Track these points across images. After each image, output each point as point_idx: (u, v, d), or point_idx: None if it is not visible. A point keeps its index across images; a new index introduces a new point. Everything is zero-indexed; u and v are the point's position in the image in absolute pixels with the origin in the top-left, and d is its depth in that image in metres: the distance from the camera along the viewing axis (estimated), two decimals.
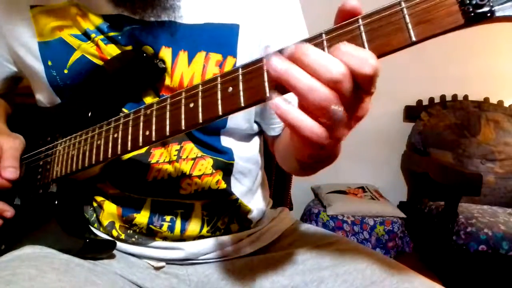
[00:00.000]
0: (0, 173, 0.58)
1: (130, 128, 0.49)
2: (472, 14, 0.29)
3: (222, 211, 0.63)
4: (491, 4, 0.29)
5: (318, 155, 0.40)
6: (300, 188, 2.14)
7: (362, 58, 0.31)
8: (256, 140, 0.70)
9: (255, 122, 0.67)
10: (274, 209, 0.76)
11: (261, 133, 0.71)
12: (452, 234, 1.63)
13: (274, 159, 1.04)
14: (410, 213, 1.99)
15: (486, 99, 2.17)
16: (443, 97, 2.19)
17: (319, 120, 0.34)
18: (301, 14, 0.66)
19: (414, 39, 0.31)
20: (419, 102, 2.21)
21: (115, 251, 0.61)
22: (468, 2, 0.29)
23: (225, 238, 0.64)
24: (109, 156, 0.51)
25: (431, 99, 2.20)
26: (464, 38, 2.12)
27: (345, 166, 2.19)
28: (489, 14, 0.29)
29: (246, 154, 0.66)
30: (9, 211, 0.60)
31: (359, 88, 0.33)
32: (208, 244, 0.63)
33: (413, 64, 2.13)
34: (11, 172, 0.58)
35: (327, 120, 0.33)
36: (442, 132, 2.08)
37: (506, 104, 2.17)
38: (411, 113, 2.21)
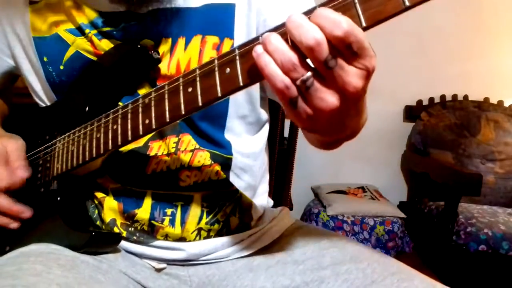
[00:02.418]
0: (14, 172, 0.58)
1: (129, 118, 0.49)
2: None
3: (222, 203, 0.63)
4: None
5: (313, 129, 0.40)
6: (300, 188, 2.14)
7: (335, 21, 0.32)
8: (260, 136, 0.69)
9: (263, 106, 0.67)
10: (274, 209, 0.76)
11: (267, 127, 0.71)
12: (452, 234, 1.64)
13: (274, 159, 1.05)
14: (410, 213, 1.99)
15: (486, 99, 2.17)
16: (443, 97, 2.19)
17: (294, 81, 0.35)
18: None
19: (407, 3, 0.32)
20: (419, 102, 2.21)
21: (119, 248, 0.61)
22: None
23: (226, 238, 0.64)
24: (110, 147, 0.51)
25: (431, 99, 2.20)
26: (464, 38, 2.12)
27: (345, 166, 2.20)
28: None
29: (247, 150, 0.65)
30: (27, 212, 0.60)
31: (340, 54, 0.33)
32: (209, 244, 0.63)
33: (413, 64, 2.14)
34: (23, 170, 0.59)
35: (300, 83, 0.34)
36: (442, 132, 2.08)
37: (506, 104, 2.17)
38: (411, 113, 2.21)
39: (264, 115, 0.68)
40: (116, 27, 0.57)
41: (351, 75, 0.34)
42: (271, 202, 0.77)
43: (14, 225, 0.60)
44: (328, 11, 0.32)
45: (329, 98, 0.35)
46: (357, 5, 0.33)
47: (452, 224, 1.64)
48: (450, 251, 1.65)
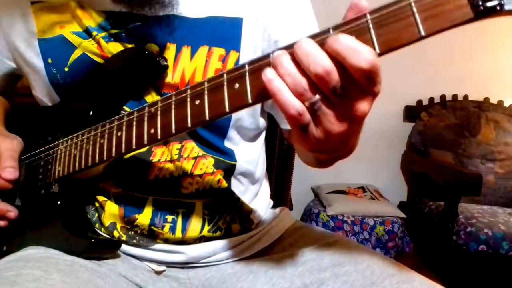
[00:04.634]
0: (0, 174, 0.57)
1: (134, 126, 0.48)
2: (482, 7, 0.29)
3: (223, 210, 0.63)
4: None
5: (319, 150, 0.39)
6: (300, 188, 2.14)
7: (358, 50, 0.31)
8: (260, 142, 0.70)
9: (262, 115, 0.67)
10: (273, 209, 0.76)
11: (265, 132, 0.71)
12: (452, 234, 1.63)
13: (274, 159, 1.05)
14: (410, 213, 1.99)
15: (486, 99, 2.17)
16: (443, 97, 2.18)
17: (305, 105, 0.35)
18: (309, 4, 0.64)
19: (423, 33, 0.31)
20: (419, 102, 2.21)
21: (119, 252, 0.60)
22: None
23: (226, 241, 0.64)
24: (113, 155, 0.51)
25: (431, 99, 2.20)
26: (464, 38, 2.12)
27: (345, 166, 2.19)
28: (498, 8, 0.28)
29: (249, 157, 0.66)
30: (12, 212, 0.60)
31: (355, 83, 0.33)
32: (209, 247, 0.63)
33: (413, 64, 2.13)
34: (10, 172, 0.58)
35: (308, 105, 0.34)
36: (442, 132, 2.08)
37: (506, 104, 2.17)
38: (411, 113, 2.20)
39: (262, 123, 0.68)
40: (122, 28, 0.57)
41: (360, 102, 0.34)
42: (271, 203, 0.77)
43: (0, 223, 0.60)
44: (349, 38, 0.31)
45: (338, 122, 0.35)
46: (372, 31, 0.32)
47: (452, 224, 1.64)
48: (450, 251, 1.65)
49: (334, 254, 0.60)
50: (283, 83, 0.34)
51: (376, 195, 2.06)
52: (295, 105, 0.34)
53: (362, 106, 0.34)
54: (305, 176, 2.09)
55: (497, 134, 2.05)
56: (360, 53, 0.31)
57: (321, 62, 0.32)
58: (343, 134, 0.36)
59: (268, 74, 0.34)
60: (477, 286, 1.64)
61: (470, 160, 2.01)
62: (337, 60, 0.32)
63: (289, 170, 1.18)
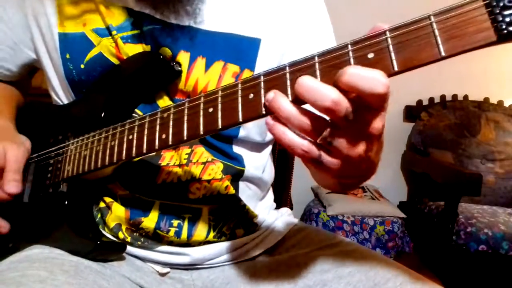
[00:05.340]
0: (3, 187, 0.56)
1: (146, 131, 0.48)
2: (505, 31, 0.28)
3: (228, 217, 0.63)
4: None
5: (344, 176, 0.39)
6: (300, 188, 2.14)
7: (372, 78, 0.30)
8: (268, 149, 0.71)
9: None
10: (276, 210, 0.76)
11: (272, 141, 0.71)
12: (452, 234, 1.64)
13: (274, 158, 1.04)
14: (410, 213, 1.99)
15: (486, 99, 2.17)
16: (443, 97, 2.19)
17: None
18: (331, 31, 0.65)
19: (443, 54, 0.31)
20: (419, 102, 2.21)
21: (124, 254, 0.60)
22: (501, 19, 0.28)
23: (230, 243, 0.64)
24: (123, 158, 0.51)
25: (431, 99, 2.20)
26: None
27: None
28: None
29: (257, 163, 0.66)
30: (3, 228, 0.59)
31: (366, 105, 0.32)
32: (213, 249, 0.63)
33: None
34: (14, 186, 0.56)
35: (320, 141, 0.35)
36: (442, 132, 2.08)
37: (506, 104, 2.17)
38: (411, 113, 2.21)
39: (269, 135, 0.68)
40: (141, 29, 0.57)
41: (373, 119, 0.34)
42: (274, 204, 0.77)
43: None
44: (358, 68, 0.31)
45: (353, 146, 0.34)
46: (391, 48, 0.32)
47: (452, 224, 1.64)
48: (450, 251, 1.65)
49: (337, 255, 0.60)
50: (284, 127, 0.35)
51: (376, 195, 2.06)
52: (300, 145, 0.35)
53: (376, 123, 0.34)
54: (305, 176, 2.08)
55: (497, 134, 2.05)
56: (374, 80, 0.30)
57: (327, 95, 0.31)
58: (364, 155, 0.35)
59: (269, 120, 0.36)
60: (477, 286, 1.64)
61: (470, 160, 2.02)
62: (351, 91, 0.32)
63: (289, 170, 1.18)
